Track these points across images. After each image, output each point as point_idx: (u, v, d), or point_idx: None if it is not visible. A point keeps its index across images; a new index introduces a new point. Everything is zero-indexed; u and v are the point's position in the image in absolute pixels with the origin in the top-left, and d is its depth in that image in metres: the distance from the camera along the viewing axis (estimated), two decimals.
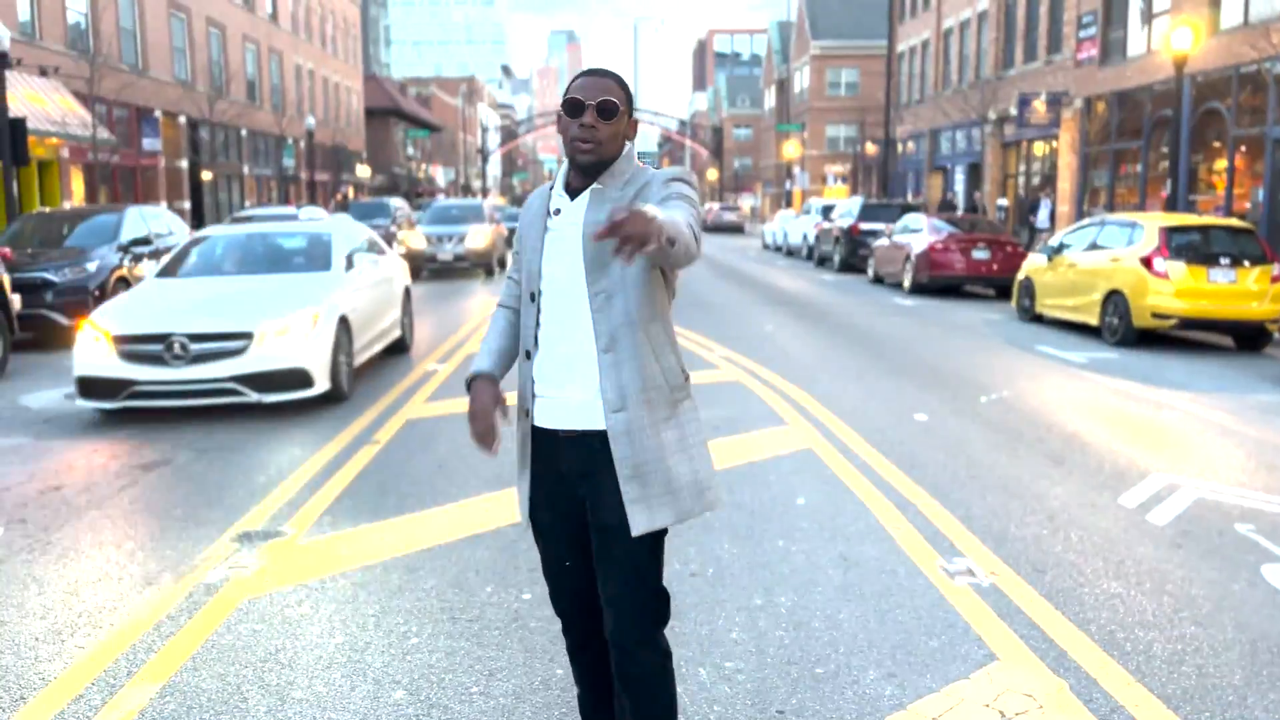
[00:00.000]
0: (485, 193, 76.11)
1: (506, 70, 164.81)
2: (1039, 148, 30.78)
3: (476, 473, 6.53)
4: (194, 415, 8.38)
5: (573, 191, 2.58)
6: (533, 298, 2.60)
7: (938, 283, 18.96)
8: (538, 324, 2.59)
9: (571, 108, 2.49)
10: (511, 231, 25.56)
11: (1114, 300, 12.73)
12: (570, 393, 2.54)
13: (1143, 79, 23.77)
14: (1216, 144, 21.35)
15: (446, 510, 5.77)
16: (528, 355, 2.62)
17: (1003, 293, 18.45)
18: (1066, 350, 12.11)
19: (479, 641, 4.07)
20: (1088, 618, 4.26)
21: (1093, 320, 13.21)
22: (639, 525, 2.49)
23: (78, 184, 24.96)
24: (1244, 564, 4.91)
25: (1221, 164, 21.08)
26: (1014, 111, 30.15)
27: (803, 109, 62.68)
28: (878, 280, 21.93)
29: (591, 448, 2.53)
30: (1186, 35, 17.33)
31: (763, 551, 5.06)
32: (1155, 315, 12.15)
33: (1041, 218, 27.00)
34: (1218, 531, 5.40)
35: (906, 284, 19.64)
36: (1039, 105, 28.43)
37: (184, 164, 31.98)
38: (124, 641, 4.09)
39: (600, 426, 2.51)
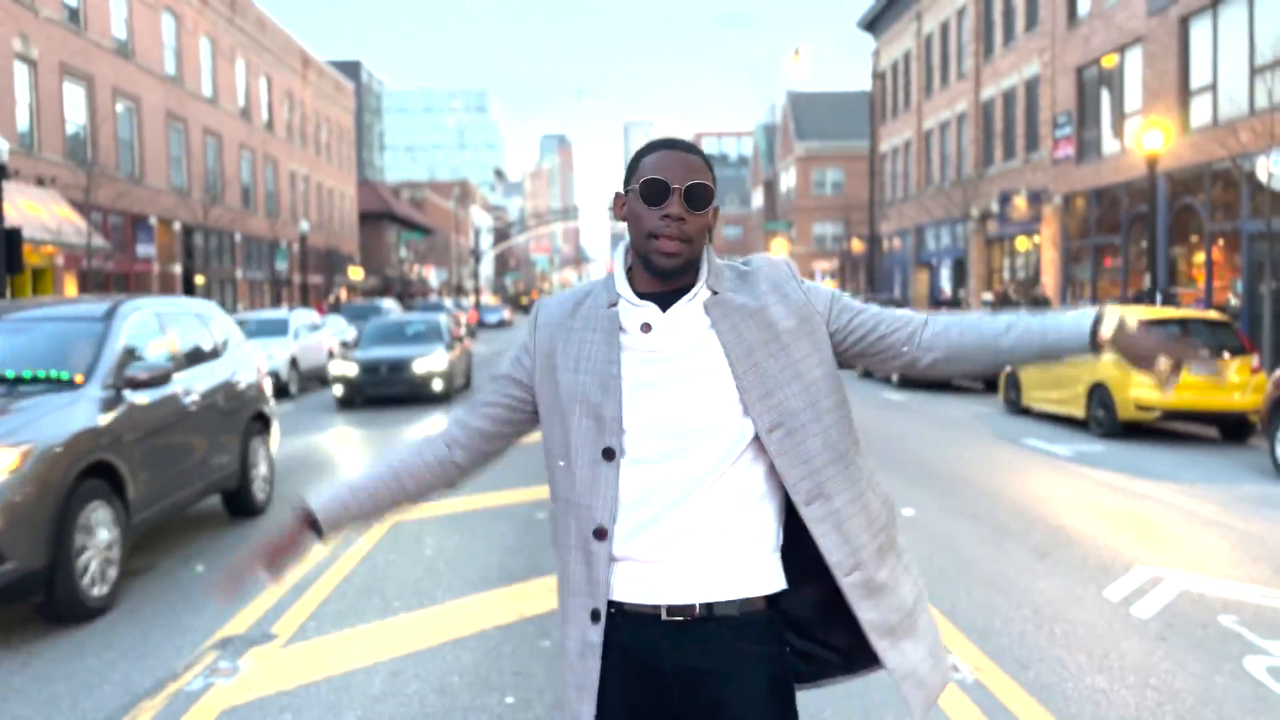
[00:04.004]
0: (476, 292, 76.66)
1: (499, 173, 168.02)
2: (1021, 243, 31.34)
3: (462, 575, 6.52)
4: (182, 521, 8.36)
5: (656, 299, 1.93)
6: (609, 454, 1.89)
7: (926, 376, 19.09)
8: (618, 488, 1.89)
9: (652, 191, 1.88)
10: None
11: (1098, 393, 12.86)
12: (696, 555, 1.88)
13: (1118, 177, 24.37)
14: (1194, 238, 21.78)
15: (431, 613, 5.75)
16: (600, 535, 1.91)
17: (991, 386, 18.60)
18: (1053, 443, 12.19)
19: None
20: (1071, 713, 4.25)
21: (1079, 413, 13.32)
22: (922, 700, 2.00)
23: (71, 289, 25.20)
24: (1227, 656, 4.91)
25: (1200, 257, 21.49)
26: (995, 208, 30.79)
27: (790, 208, 63.85)
28: (867, 374, 22.10)
29: (718, 636, 1.89)
30: (1158, 136, 17.86)
31: None
32: (1139, 407, 12.26)
33: None
34: (1201, 624, 5.40)
35: (895, 378, 19.80)
36: (1019, 202, 29.06)
37: (178, 269, 32.34)
38: None
39: (739, 595, 1.90)
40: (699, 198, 1.88)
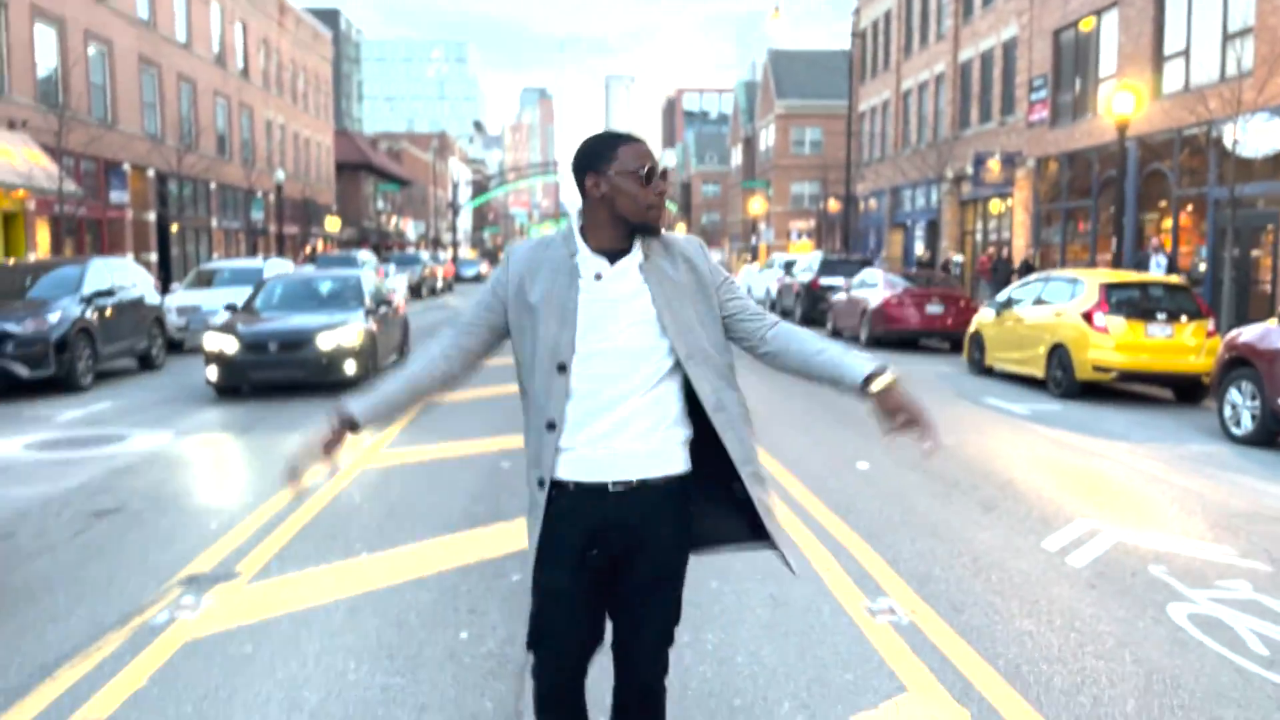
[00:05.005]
0: (454, 246, 76.20)
1: (479, 126, 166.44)
2: (995, 205, 31.55)
3: (425, 520, 6.69)
4: (150, 464, 8.48)
5: (607, 254, 2.59)
6: (561, 368, 2.55)
7: (893, 336, 19.36)
8: (568, 393, 2.55)
9: (652, 174, 2.55)
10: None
11: (1058, 354, 13.12)
12: (633, 445, 2.57)
13: (1090, 141, 24.54)
14: (1162, 203, 22.04)
15: (393, 554, 5.93)
16: (550, 426, 2.57)
17: (956, 346, 18.86)
18: (1012, 402, 12.45)
19: (414, 678, 4.22)
20: (997, 652, 4.48)
21: (1039, 373, 13.59)
22: (785, 546, 2.76)
23: (43, 236, 25.01)
24: (1151, 603, 5.16)
25: (1168, 223, 21.76)
26: (970, 171, 30.93)
27: (768, 166, 63.79)
28: (836, 333, 22.31)
29: (647, 500, 2.59)
30: (1129, 100, 18.00)
31: (694, 591, 5.23)
32: (1096, 368, 12.54)
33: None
34: (1131, 573, 5.65)
35: (863, 337, 20.03)
36: (993, 165, 29.21)
37: (151, 216, 32.08)
38: (67, 680, 4.21)
39: (663, 474, 2.60)
40: (668, 179, 2.62)
